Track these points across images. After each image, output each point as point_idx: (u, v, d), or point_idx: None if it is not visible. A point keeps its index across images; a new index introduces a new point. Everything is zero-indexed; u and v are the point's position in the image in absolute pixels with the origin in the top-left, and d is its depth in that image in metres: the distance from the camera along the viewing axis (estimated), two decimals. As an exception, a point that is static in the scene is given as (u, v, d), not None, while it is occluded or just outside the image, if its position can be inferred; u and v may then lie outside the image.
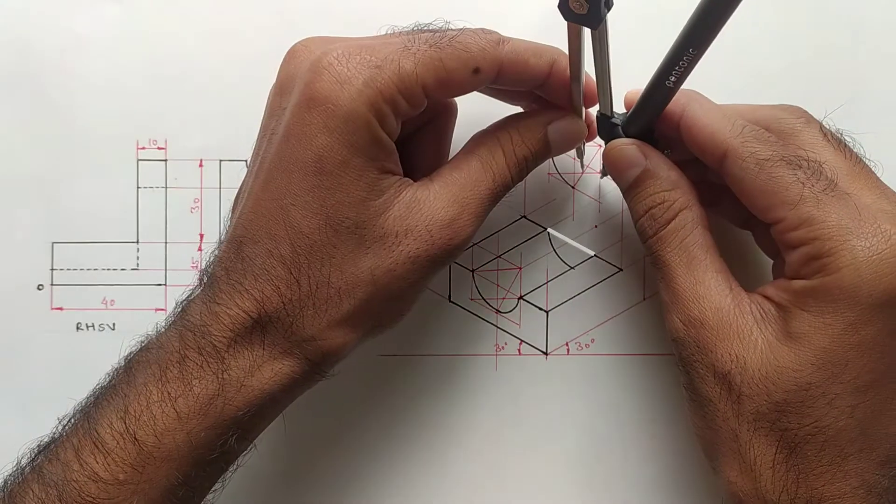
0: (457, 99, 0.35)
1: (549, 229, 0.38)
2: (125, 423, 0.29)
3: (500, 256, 0.38)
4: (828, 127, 0.31)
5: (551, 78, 0.32)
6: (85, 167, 0.38)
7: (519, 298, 0.38)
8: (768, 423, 0.29)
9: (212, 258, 0.32)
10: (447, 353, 0.38)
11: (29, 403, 0.38)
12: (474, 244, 0.38)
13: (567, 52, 0.30)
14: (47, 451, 0.30)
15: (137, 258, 0.38)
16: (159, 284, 0.39)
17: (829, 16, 0.38)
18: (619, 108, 0.34)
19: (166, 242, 0.39)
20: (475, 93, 0.33)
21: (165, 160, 0.38)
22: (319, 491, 0.38)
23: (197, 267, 0.38)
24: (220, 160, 0.38)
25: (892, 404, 0.29)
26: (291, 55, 0.32)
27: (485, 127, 0.34)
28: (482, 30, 0.31)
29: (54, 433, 0.31)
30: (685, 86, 0.30)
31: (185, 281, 0.38)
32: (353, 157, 0.29)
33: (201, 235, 0.39)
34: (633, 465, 0.38)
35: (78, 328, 0.39)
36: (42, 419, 0.36)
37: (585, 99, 0.33)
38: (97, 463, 0.28)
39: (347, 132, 0.29)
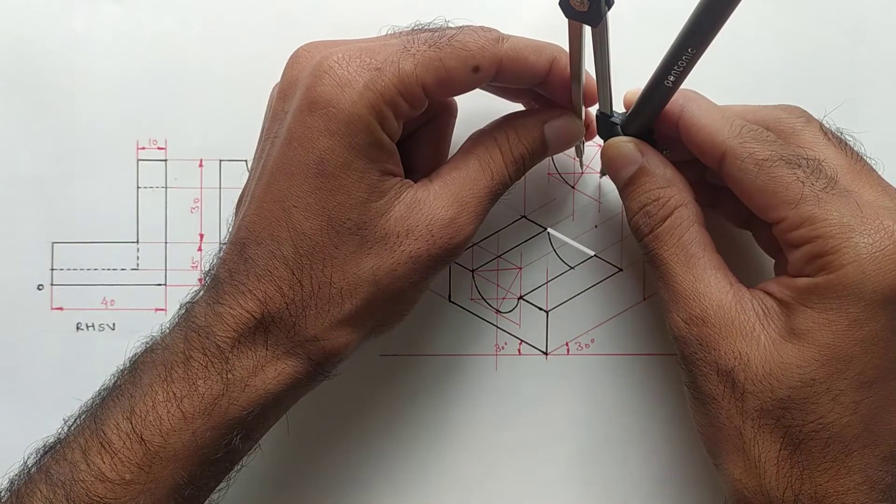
0: (457, 98, 0.35)
1: (549, 229, 0.38)
2: (131, 423, 0.29)
3: (500, 256, 0.38)
4: (828, 126, 0.31)
5: (551, 75, 0.32)
6: (85, 167, 0.38)
7: (519, 298, 0.38)
8: (772, 420, 0.29)
9: (215, 260, 0.32)
10: (447, 353, 0.38)
11: (29, 403, 0.38)
12: (474, 244, 0.38)
13: (567, 50, 0.30)
14: (54, 452, 0.30)
15: (137, 258, 0.38)
16: (159, 284, 0.39)
17: (829, 16, 0.38)
18: (618, 107, 0.34)
19: (166, 242, 0.39)
20: (475, 91, 0.33)
21: (165, 160, 0.38)
22: (319, 490, 0.38)
23: (197, 267, 0.38)
24: (220, 160, 0.38)
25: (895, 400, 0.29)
26: (294, 59, 0.32)
27: (483, 126, 0.34)
28: (481, 28, 0.31)
29: (60, 434, 0.31)
30: (684, 85, 0.30)
31: (185, 281, 0.38)
32: (354, 159, 0.29)
33: (201, 235, 0.39)
34: (632, 465, 0.38)
35: (78, 328, 0.39)
36: (42, 419, 0.36)
37: (585, 98, 0.33)
38: (104, 463, 0.29)
39: (349, 135, 0.29)
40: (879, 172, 0.30)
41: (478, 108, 0.36)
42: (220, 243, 0.34)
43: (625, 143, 0.33)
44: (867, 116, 0.37)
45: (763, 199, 0.30)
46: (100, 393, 0.32)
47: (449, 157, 0.35)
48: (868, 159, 0.31)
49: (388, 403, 0.38)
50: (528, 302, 0.38)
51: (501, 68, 0.31)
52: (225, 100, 0.38)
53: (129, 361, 0.32)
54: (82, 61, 0.38)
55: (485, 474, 0.38)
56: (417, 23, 0.33)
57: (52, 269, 0.38)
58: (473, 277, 0.38)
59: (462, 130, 0.35)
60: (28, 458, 0.31)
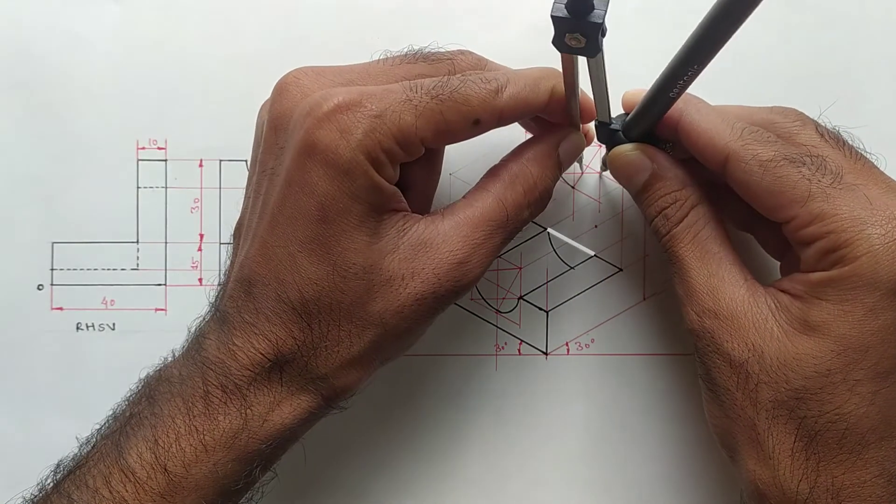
0: None
1: (549, 229, 0.38)
2: (155, 454, 0.29)
3: (500, 256, 0.38)
4: (824, 125, 0.31)
5: (550, 105, 0.32)
6: (85, 167, 0.38)
7: (519, 298, 0.38)
8: (787, 411, 0.29)
9: (221, 293, 0.32)
10: (447, 353, 0.38)
11: (29, 403, 0.38)
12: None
13: (560, 70, 0.30)
14: (74, 477, 0.30)
15: (137, 258, 0.38)
16: (159, 284, 0.39)
17: (828, 16, 0.38)
18: (616, 106, 0.34)
19: (166, 242, 0.39)
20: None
21: (165, 160, 0.38)
22: (319, 490, 0.38)
23: (197, 267, 0.38)
24: (220, 160, 0.38)
25: None
26: (283, 88, 0.31)
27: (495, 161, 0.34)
28: (482, 79, 0.31)
29: (77, 457, 0.31)
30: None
31: (185, 281, 0.38)
32: (353, 204, 0.29)
33: (201, 235, 0.39)
34: (633, 465, 0.38)
35: (78, 328, 0.39)
36: (42, 419, 0.36)
37: (583, 115, 0.33)
38: (126, 491, 0.29)
39: (347, 181, 0.29)
40: (881, 168, 0.30)
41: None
42: (221, 274, 0.34)
43: (631, 151, 0.33)
44: (867, 116, 0.37)
45: (771, 199, 0.30)
46: (116, 418, 0.32)
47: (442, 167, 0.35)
48: (868, 154, 0.31)
49: (388, 403, 0.38)
50: (528, 302, 0.38)
51: (502, 118, 0.31)
52: (225, 100, 0.38)
53: (143, 387, 0.32)
54: (82, 61, 0.38)
55: (485, 474, 0.38)
56: (410, 47, 0.33)
57: (52, 269, 0.38)
58: (473, 277, 0.38)
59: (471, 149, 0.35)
60: (46, 479, 0.31)
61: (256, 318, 0.30)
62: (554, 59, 0.29)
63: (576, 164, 0.38)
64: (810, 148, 0.30)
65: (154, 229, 0.38)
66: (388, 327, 0.31)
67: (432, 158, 0.34)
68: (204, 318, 0.32)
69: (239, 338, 0.30)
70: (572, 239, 0.38)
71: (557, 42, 0.26)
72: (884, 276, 0.28)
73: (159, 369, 0.32)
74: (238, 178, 0.38)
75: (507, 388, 0.38)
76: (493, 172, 0.33)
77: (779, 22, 0.38)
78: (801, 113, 0.32)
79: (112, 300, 0.39)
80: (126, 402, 0.32)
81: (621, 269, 0.38)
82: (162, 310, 0.38)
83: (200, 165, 0.38)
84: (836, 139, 0.31)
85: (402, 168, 0.31)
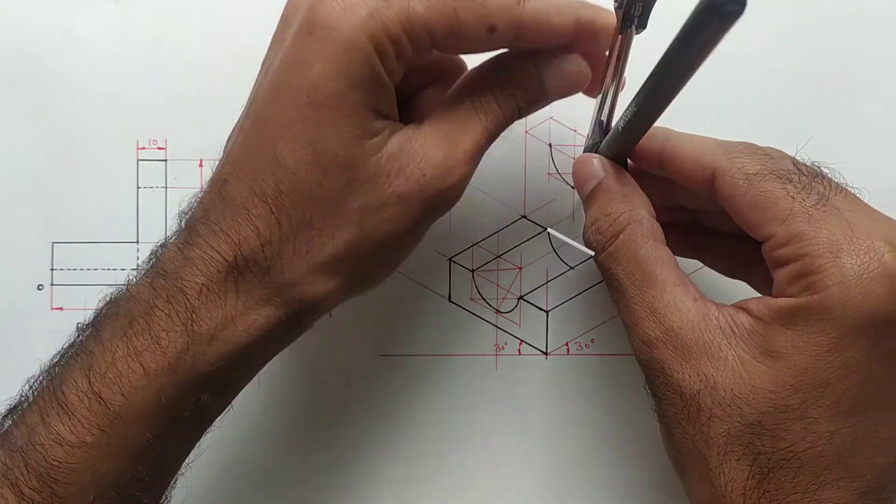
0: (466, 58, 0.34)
1: (549, 229, 0.38)
2: (90, 381, 0.27)
3: (500, 256, 0.38)
4: (802, 161, 0.30)
5: (578, 38, 0.30)
6: (85, 167, 0.38)
7: (519, 298, 0.38)
8: (741, 446, 0.27)
9: (193, 199, 0.30)
10: (447, 353, 0.38)
11: (29, 403, 0.38)
12: (474, 244, 0.38)
13: (591, 5, 0.29)
14: (13, 415, 0.29)
15: (137, 258, 0.38)
16: (159, 284, 0.39)
17: (828, 16, 0.38)
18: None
19: (166, 242, 0.39)
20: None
21: (165, 160, 0.38)
22: (319, 490, 0.38)
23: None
24: (220, 160, 0.38)
25: (876, 432, 0.27)
26: None
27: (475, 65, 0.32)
28: None
29: (22, 395, 0.29)
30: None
31: (185, 281, 0.38)
32: (348, 90, 0.27)
33: (201, 235, 0.39)
34: (633, 465, 0.38)
35: (78, 328, 0.39)
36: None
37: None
38: (62, 425, 0.27)
39: (345, 62, 0.27)
40: (865, 200, 0.29)
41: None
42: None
43: (591, 159, 0.32)
44: (867, 116, 0.37)
45: (753, 214, 0.28)
46: (61, 350, 0.30)
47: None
48: (852, 189, 0.30)
49: (388, 403, 0.38)
50: (528, 302, 0.38)
51: (521, 32, 0.28)
52: (225, 100, 0.38)
53: (93, 315, 0.30)
54: (82, 61, 0.38)
55: (484, 474, 0.38)
56: None
57: (52, 269, 0.38)
58: (473, 277, 0.38)
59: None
60: None
61: (222, 217, 0.28)
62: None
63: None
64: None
65: (154, 229, 0.38)
66: (366, 228, 0.28)
67: (446, 83, 0.32)
68: (170, 235, 0.30)
69: (198, 242, 0.28)
70: (572, 239, 0.38)
71: (628, 21, 0.27)
72: (852, 311, 0.26)
73: (112, 293, 0.30)
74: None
75: (507, 388, 0.38)
76: (468, 77, 0.31)
77: (779, 22, 0.38)
78: (777, 149, 0.30)
79: (112, 300, 0.39)
80: (74, 333, 0.30)
81: (621, 269, 0.38)
82: (162, 310, 0.38)
83: (200, 165, 0.38)
84: (812, 174, 0.29)
85: (414, 108, 0.30)
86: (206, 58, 0.38)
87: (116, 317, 0.28)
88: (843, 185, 0.29)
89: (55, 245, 0.39)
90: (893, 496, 0.28)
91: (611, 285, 0.31)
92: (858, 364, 0.26)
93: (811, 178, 0.29)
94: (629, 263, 0.30)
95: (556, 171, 0.38)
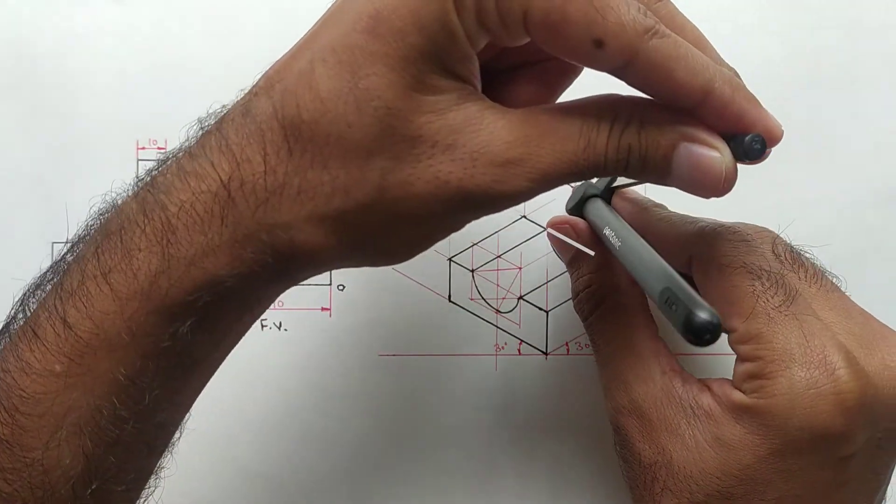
0: None
1: (549, 229, 0.38)
2: (60, 303, 0.25)
3: (500, 256, 0.38)
4: (784, 243, 0.30)
5: (703, 111, 0.25)
6: (85, 167, 0.38)
7: (519, 298, 0.38)
8: None
9: (219, 109, 0.27)
10: (447, 353, 0.38)
11: (29, 403, 0.38)
12: (474, 244, 0.38)
13: (733, 85, 0.25)
14: None
15: (137, 258, 0.38)
16: (159, 284, 0.38)
17: (828, 15, 0.38)
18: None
19: (166, 242, 0.38)
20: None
21: (165, 160, 0.38)
22: (318, 490, 0.38)
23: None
24: (220, 160, 0.38)
25: None
26: None
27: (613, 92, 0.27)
28: (642, 7, 0.24)
29: (7, 316, 0.28)
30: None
31: (185, 281, 0.38)
32: (413, 31, 0.23)
33: (201, 235, 0.38)
34: (633, 465, 0.38)
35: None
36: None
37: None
38: (31, 352, 0.25)
39: None
40: (843, 288, 0.30)
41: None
42: None
43: (562, 228, 0.33)
44: (867, 115, 0.37)
45: (722, 306, 0.28)
46: (48, 267, 0.27)
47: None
48: (832, 277, 0.30)
49: (388, 403, 0.38)
50: (528, 302, 0.38)
51: (633, 65, 0.24)
52: (225, 100, 0.38)
53: (82, 227, 0.27)
54: (82, 61, 0.38)
55: (484, 474, 0.38)
56: None
57: (52, 269, 0.38)
58: (473, 277, 0.38)
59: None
60: None
61: (234, 132, 0.25)
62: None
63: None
64: (770, 263, 0.29)
65: (154, 229, 0.38)
66: (388, 197, 0.24)
67: (545, 82, 0.29)
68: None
69: (200, 154, 0.25)
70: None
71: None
72: (794, 424, 0.26)
73: (103, 206, 0.27)
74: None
75: (507, 388, 0.38)
76: (595, 98, 0.26)
77: (779, 22, 0.38)
78: (762, 228, 0.31)
79: (112, 300, 0.38)
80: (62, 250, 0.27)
81: (621, 269, 0.38)
82: (162, 310, 0.38)
83: (200, 165, 0.38)
84: (792, 259, 0.29)
85: (506, 83, 0.27)
86: (206, 58, 0.38)
87: (97, 233, 0.26)
88: (823, 274, 0.30)
89: (55, 245, 0.38)
90: None
91: (594, 350, 0.33)
92: (801, 471, 0.27)
93: (791, 264, 0.29)
94: (608, 332, 0.31)
95: (556, 171, 0.38)
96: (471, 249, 0.38)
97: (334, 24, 0.24)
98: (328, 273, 0.38)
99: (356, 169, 0.24)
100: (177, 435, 0.29)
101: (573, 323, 0.38)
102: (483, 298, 0.38)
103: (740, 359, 0.28)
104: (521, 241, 0.38)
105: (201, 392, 0.29)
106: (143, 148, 0.38)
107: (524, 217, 0.38)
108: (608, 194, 0.34)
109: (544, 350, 0.38)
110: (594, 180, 0.34)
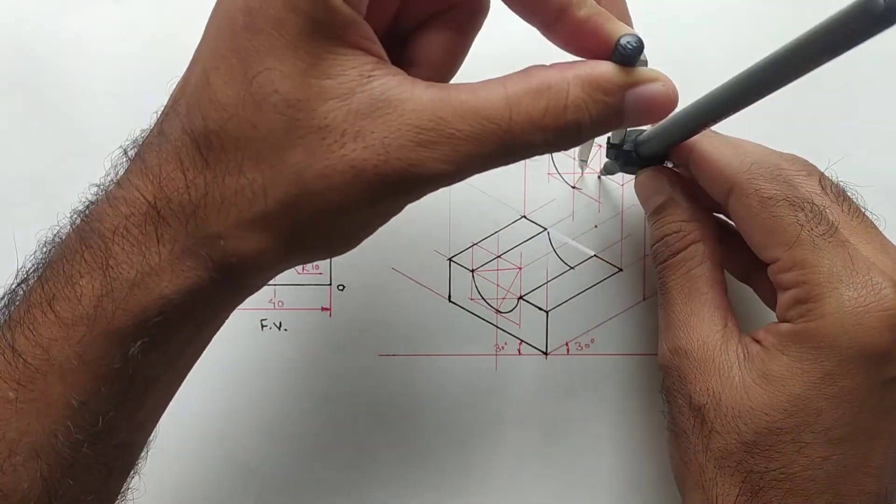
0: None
1: (549, 229, 0.38)
2: (8, 331, 0.25)
3: (500, 256, 0.38)
4: (828, 178, 0.31)
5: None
6: (85, 167, 0.38)
7: (519, 298, 0.38)
8: (734, 463, 0.28)
9: (138, 136, 0.27)
10: (447, 353, 0.38)
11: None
12: (474, 244, 0.38)
13: None
14: None
15: (137, 258, 0.38)
16: (159, 284, 0.38)
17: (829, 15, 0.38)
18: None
19: (166, 242, 0.38)
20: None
21: (165, 160, 0.38)
22: (318, 491, 0.38)
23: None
24: (220, 160, 0.38)
25: (868, 461, 0.28)
26: None
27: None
28: None
29: None
30: None
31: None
32: (289, 14, 0.23)
33: (201, 235, 0.38)
34: (633, 465, 0.38)
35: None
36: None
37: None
38: None
39: None
40: (881, 227, 0.30)
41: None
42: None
43: (657, 174, 0.33)
44: (867, 115, 0.37)
45: (762, 237, 0.29)
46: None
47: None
48: (869, 214, 0.30)
49: (388, 403, 0.38)
50: (528, 302, 0.38)
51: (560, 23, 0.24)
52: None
53: (30, 260, 0.28)
54: (82, 61, 0.38)
55: (484, 474, 0.38)
56: None
57: (52, 269, 0.38)
58: (473, 277, 0.38)
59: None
60: None
61: (151, 154, 0.25)
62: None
63: (576, 164, 0.38)
64: (814, 196, 0.30)
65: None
66: (311, 191, 0.23)
67: (454, 31, 0.28)
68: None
69: (124, 180, 0.25)
70: (572, 239, 0.38)
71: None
72: (845, 343, 0.27)
73: (49, 233, 0.28)
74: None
75: (507, 388, 0.38)
76: (528, 70, 0.25)
77: (779, 21, 0.38)
78: (808, 163, 0.31)
79: (112, 300, 0.38)
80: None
81: (621, 269, 0.38)
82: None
83: (200, 165, 0.38)
84: (837, 193, 0.30)
85: (417, 40, 0.26)
86: (206, 58, 0.38)
87: (42, 261, 0.26)
88: (863, 211, 0.30)
89: (55, 245, 0.38)
90: None
91: (660, 291, 0.33)
92: (851, 394, 0.27)
93: (835, 197, 0.29)
94: (682, 277, 0.32)
95: (556, 171, 0.38)
96: (471, 249, 0.38)
97: (215, 30, 0.24)
98: (328, 273, 0.38)
99: (269, 168, 0.24)
100: (142, 455, 0.29)
101: (573, 323, 0.38)
102: (483, 298, 0.38)
103: (784, 287, 0.29)
104: (521, 241, 0.38)
105: (164, 411, 0.29)
106: (143, 148, 0.38)
107: (524, 217, 0.38)
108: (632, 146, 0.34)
109: (544, 350, 0.38)
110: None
